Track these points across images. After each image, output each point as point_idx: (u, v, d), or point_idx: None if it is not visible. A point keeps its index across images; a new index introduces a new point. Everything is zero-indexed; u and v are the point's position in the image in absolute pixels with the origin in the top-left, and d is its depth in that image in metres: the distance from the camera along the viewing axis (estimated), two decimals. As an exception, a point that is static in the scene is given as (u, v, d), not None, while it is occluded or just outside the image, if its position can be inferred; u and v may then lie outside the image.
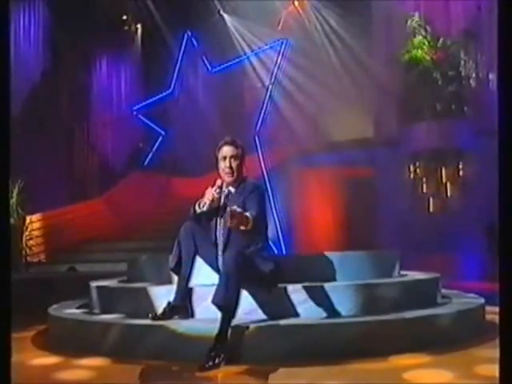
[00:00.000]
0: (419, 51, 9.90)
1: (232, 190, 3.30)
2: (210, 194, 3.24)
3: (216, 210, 3.34)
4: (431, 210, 9.90)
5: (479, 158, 9.50)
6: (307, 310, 3.34)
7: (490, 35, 9.37)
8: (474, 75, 9.88)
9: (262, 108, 10.74)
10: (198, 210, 3.25)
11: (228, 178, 3.28)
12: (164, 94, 11.86)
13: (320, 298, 3.38)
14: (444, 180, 9.85)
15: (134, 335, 3.30)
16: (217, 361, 2.83)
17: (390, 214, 10.17)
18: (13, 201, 8.57)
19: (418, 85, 9.99)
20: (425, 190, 9.96)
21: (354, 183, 10.89)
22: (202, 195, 3.32)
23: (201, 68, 12.11)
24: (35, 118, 10.28)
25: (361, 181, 10.90)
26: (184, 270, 3.27)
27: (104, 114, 11.83)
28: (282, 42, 10.66)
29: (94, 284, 4.22)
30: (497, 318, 4.43)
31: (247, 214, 3.10)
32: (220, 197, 3.31)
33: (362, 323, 3.20)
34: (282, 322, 3.19)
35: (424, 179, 9.97)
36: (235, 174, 3.30)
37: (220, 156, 3.37)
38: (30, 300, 6.06)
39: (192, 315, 3.27)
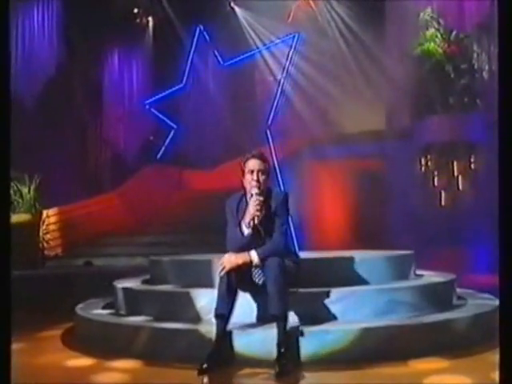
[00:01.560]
0: (432, 44, 9.89)
1: (261, 198, 3.37)
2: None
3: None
4: (443, 203, 9.96)
5: (491, 152, 9.54)
6: (328, 315, 3.46)
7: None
8: (486, 68, 9.86)
9: (273, 101, 10.81)
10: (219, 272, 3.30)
11: (254, 190, 3.37)
12: (176, 87, 11.93)
13: (339, 302, 3.50)
14: (456, 173, 9.89)
15: (163, 338, 3.43)
16: (289, 367, 3.00)
17: (402, 208, 10.23)
18: (30, 196, 8.73)
19: (430, 78, 10.00)
20: (436, 184, 10.02)
21: (366, 176, 10.95)
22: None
23: (212, 62, 12.15)
24: (49, 113, 10.43)
25: (372, 174, 10.96)
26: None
27: (117, 108, 11.95)
28: (294, 36, 10.69)
29: (119, 285, 4.35)
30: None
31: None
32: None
33: (383, 328, 3.31)
34: (305, 327, 3.31)
35: (436, 172, 10.02)
36: (262, 187, 3.40)
37: (247, 169, 3.46)
38: (50, 296, 6.21)
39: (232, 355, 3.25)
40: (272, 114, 10.77)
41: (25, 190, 8.36)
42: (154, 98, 11.99)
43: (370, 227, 10.59)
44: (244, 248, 3.30)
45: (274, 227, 3.37)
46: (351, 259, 3.95)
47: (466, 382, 2.82)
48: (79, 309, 4.51)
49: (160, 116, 12.04)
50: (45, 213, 9.79)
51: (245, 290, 3.41)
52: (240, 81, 12.04)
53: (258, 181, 3.40)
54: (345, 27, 10.90)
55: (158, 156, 12.01)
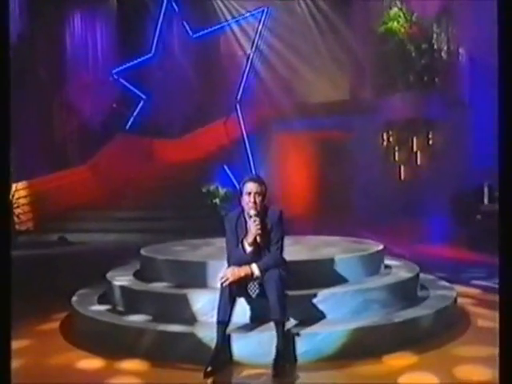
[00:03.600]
0: (395, 23, 10.26)
1: (259, 219, 3.72)
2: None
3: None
4: (402, 177, 10.59)
5: (447, 128, 10.15)
6: (313, 316, 3.93)
7: (461, 9, 9.76)
8: (445, 48, 10.34)
9: (242, 76, 10.99)
10: (222, 283, 3.63)
11: (252, 212, 3.72)
12: (145, 57, 11.86)
13: (322, 303, 3.97)
14: (415, 149, 10.49)
15: (166, 340, 3.82)
16: (287, 367, 3.45)
17: (364, 180, 10.81)
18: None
19: (392, 56, 10.40)
20: (397, 158, 10.61)
21: (330, 148, 11.42)
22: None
23: (181, 33, 12.11)
24: (11, 84, 10.22)
25: (336, 146, 11.43)
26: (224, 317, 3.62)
27: (83, 78, 11.81)
28: (264, 10, 10.78)
29: (116, 282, 4.67)
30: (465, 302, 5.17)
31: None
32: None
33: (363, 328, 3.81)
34: (296, 330, 3.75)
35: (396, 147, 10.60)
36: (258, 208, 3.75)
37: (245, 190, 3.80)
38: (29, 280, 6.39)
39: (231, 357, 3.65)
40: (241, 88, 10.96)
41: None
42: (121, 67, 11.90)
43: (333, 197, 11.16)
44: (246, 263, 3.68)
45: (271, 242, 3.75)
46: (330, 260, 4.40)
47: (433, 380, 3.35)
48: (75, 303, 4.80)
49: (129, 86, 11.98)
50: (14, 186, 9.82)
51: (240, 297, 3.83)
52: (209, 52, 12.08)
53: (255, 202, 3.74)
54: (313, 4, 11.05)
55: (128, 126, 12.04)
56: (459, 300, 4.88)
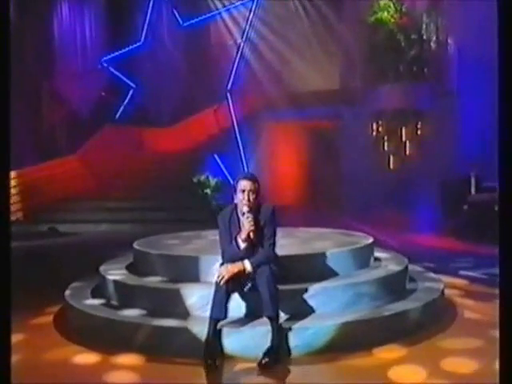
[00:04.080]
0: (385, 13, 10.29)
1: (252, 216, 3.78)
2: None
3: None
4: (391, 166, 10.70)
5: (435, 119, 10.25)
6: (304, 310, 4.01)
7: (450, 0, 9.81)
8: (434, 39, 10.40)
9: (233, 65, 10.98)
10: (219, 281, 3.69)
11: (246, 209, 3.78)
12: (134, 46, 11.79)
13: (313, 298, 4.05)
14: (404, 139, 10.59)
15: (161, 335, 3.88)
16: (277, 359, 3.54)
17: (353, 169, 10.91)
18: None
19: (382, 46, 10.45)
20: (386, 148, 10.71)
21: (320, 138, 11.48)
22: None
23: (171, 21, 12.04)
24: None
25: (326, 135, 11.50)
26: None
27: (72, 66, 11.72)
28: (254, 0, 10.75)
29: (110, 277, 4.72)
30: (452, 293, 5.29)
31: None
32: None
33: (353, 322, 3.90)
34: (287, 324, 3.84)
35: (385, 137, 10.69)
36: (252, 205, 3.81)
37: (239, 188, 3.85)
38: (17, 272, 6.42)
39: (222, 350, 3.73)
40: (232, 77, 10.96)
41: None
42: (111, 56, 11.82)
43: (322, 186, 11.25)
44: (239, 259, 3.75)
45: (264, 238, 3.82)
46: (322, 255, 4.49)
47: (421, 372, 3.46)
48: (69, 297, 4.85)
49: (118, 75, 11.92)
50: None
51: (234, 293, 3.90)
52: (199, 41, 12.05)
53: (248, 200, 3.80)
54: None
55: (117, 115, 11.99)
56: (446, 291, 5.00)
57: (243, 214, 3.79)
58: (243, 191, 3.83)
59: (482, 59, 9.88)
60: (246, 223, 3.75)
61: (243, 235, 3.78)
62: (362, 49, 10.53)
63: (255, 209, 3.84)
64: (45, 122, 11.38)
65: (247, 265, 3.73)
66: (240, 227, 3.83)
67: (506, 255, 2.22)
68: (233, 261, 3.77)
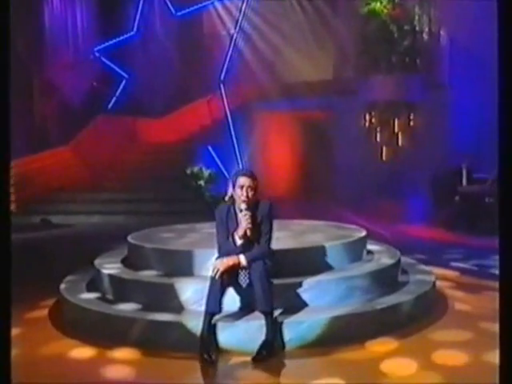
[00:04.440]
0: (378, 4, 10.27)
1: (250, 213, 3.82)
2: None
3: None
4: (384, 157, 10.76)
5: (428, 110, 10.30)
6: (298, 304, 4.07)
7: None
8: (426, 30, 10.42)
9: (226, 55, 10.95)
10: (214, 274, 3.73)
11: (244, 206, 3.81)
12: (126, 35, 11.71)
13: (307, 291, 4.11)
14: (396, 130, 10.64)
15: (156, 329, 3.93)
16: (271, 353, 3.60)
17: (346, 160, 10.96)
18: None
19: (375, 37, 10.45)
20: (378, 139, 10.76)
21: (313, 128, 11.51)
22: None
23: (164, 11, 11.96)
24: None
25: (319, 126, 11.52)
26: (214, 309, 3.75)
27: (64, 56, 11.63)
28: (247, -11, 10.70)
29: (105, 271, 4.75)
30: (443, 285, 5.36)
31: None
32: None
33: (346, 316, 3.96)
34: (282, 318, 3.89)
35: (378, 129, 10.73)
36: (250, 202, 3.84)
37: (237, 184, 3.88)
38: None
39: (217, 344, 3.77)
40: (225, 68, 10.93)
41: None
42: (103, 45, 11.73)
43: (315, 177, 11.30)
44: (235, 255, 3.79)
45: (260, 234, 3.86)
46: (315, 249, 4.54)
47: (412, 365, 3.53)
48: (64, 290, 4.88)
49: (110, 64, 11.84)
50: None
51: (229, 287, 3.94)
52: (192, 31, 11.99)
53: (247, 196, 3.83)
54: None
55: (110, 106, 11.92)
56: (437, 283, 5.08)
57: (241, 210, 3.83)
58: (242, 187, 3.85)
59: (475, 51, 9.93)
60: (244, 220, 3.79)
61: (240, 232, 3.81)
62: (355, 40, 10.53)
63: (253, 205, 3.88)
64: (37, 112, 11.30)
65: (242, 259, 3.77)
66: (237, 223, 3.86)
67: (506, 248, 2.22)
68: (229, 256, 3.81)
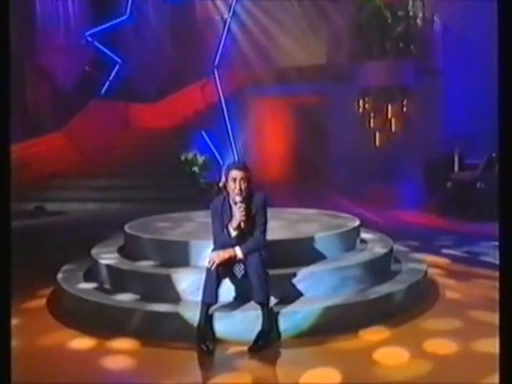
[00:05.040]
0: (371, -12, 10.24)
1: (244, 205, 3.88)
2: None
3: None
4: (377, 143, 10.83)
5: (421, 96, 10.34)
6: (293, 295, 4.16)
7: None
8: (420, 15, 10.41)
9: (220, 41, 10.89)
10: (210, 266, 3.79)
11: (238, 199, 3.86)
12: (119, 19, 11.61)
13: (301, 282, 4.20)
14: (389, 116, 10.69)
15: (153, 320, 4.01)
16: (267, 343, 3.70)
17: (339, 146, 11.02)
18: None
19: (369, 22, 10.43)
20: (372, 125, 10.81)
21: (307, 114, 11.53)
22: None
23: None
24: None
25: (313, 112, 11.54)
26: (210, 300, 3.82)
27: (56, 40, 11.52)
28: (241, -27, 10.61)
29: (102, 261, 4.81)
30: (434, 272, 5.46)
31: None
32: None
33: (340, 306, 4.05)
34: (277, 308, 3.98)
35: (372, 114, 10.77)
36: (244, 194, 3.89)
37: (230, 177, 3.93)
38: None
39: (213, 334, 3.86)
40: (218, 53, 10.89)
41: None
42: (95, 30, 11.62)
43: (308, 162, 11.36)
44: (231, 247, 3.86)
45: (255, 226, 3.92)
46: (310, 239, 4.62)
47: (404, 353, 3.63)
48: (62, 280, 4.93)
49: (103, 49, 11.73)
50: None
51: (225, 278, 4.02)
52: (185, 16, 11.90)
53: (240, 189, 3.88)
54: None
55: (103, 91, 11.86)
56: (429, 271, 5.17)
57: (235, 203, 3.88)
58: (234, 180, 3.90)
59: (468, 36, 9.94)
60: (238, 213, 3.85)
61: (234, 224, 3.87)
62: (349, 25, 10.51)
63: (247, 197, 3.93)
64: (29, 98, 11.21)
65: (238, 251, 3.84)
66: (232, 215, 3.92)
67: (505, 235, 2.20)
68: (224, 248, 3.87)
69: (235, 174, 3.92)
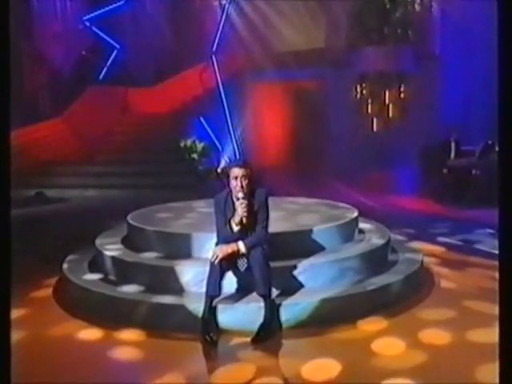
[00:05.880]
0: (370, -28, 10.20)
1: (246, 201, 3.98)
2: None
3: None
4: (375, 129, 10.90)
5: (419, 82, 10.39)
6: (293, 286, 4.29)
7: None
8: (418, 1, 10.41)
9: (218, 26, 10.87)
10: (213, 259, 3.89)
11: (240, 195, 3.97)
12: (116, 4, 11.54)
13: (301, 274, 4.32)
14: (387, 101, 10.75)
15: (159, 311, 4.13)
16: (269, 334, 3.83)
17: (337, 131, 11.08)
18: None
19: (367, 8, 10.43)
20: (370, 111, 10.87)
21: (305, 99, 11.56)
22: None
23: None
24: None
25: (311, 97, 11.58)
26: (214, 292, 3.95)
27: (53, 26, 11.46)
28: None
29: (107, 253, 4.91)
30: (430, 261, 5.59)
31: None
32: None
33: (339, 297, 4.19)
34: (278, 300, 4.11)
35: (369, 100, 10.83)
36: (245, 190, 4.00)
37: (232, 175, 4.05)
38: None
39: (217, 326, 3.98)
40: (217, 38, 10.87)
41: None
42: (93, 14, 11.56)
43: (306, 148, 11.44)
44: (233, 241, 3.97)
45: (257, 221, 4.04)
46: (309, 231, 4.73)
47: (401, 343, 3.78)
48: (67, 271, 5.04)
49: (101, 34, 11.68)
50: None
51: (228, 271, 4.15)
52: (183, 0, 11.83)
53: (241, 186, 4.00)
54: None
55: (101, 77, 11.84)
56: (425, 259, 5.30)
57: (238, 199, 4.00)
58: (236, 178, 4.02)
59: (466, 23, 9.95)
60: (240, 209, 3.97)
61: (237, 219, 3.99)
62: (347, 11, 10.50)
63: (249, 193, 4.04)
64: (27, 84, 11.19)
65: (241, 246, 3.96)
66: (234, 211, 4.04)
67: (505, 223, 2.16)
68: (227, 242, 3.99)
69: (236, 171, 4.03)
